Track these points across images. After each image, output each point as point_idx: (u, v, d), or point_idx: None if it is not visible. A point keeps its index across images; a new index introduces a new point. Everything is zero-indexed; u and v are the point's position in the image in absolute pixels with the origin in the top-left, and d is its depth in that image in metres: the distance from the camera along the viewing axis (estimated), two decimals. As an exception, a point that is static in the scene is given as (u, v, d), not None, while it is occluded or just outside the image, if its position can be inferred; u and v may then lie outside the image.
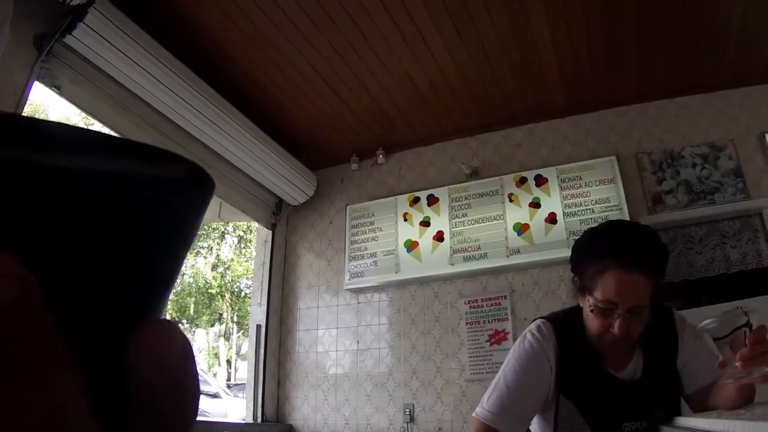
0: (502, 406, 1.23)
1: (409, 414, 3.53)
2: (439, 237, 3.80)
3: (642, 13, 2.94)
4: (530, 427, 1.37)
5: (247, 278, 14.94)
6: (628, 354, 1.30)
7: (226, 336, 15.95)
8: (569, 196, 3.58)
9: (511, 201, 3.71)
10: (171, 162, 0.16)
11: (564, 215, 3.54)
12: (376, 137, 4.10)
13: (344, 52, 3.20)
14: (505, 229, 3.64)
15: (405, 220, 3.96)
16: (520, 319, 3.45)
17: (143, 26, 2.78)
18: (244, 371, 13.13)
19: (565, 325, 1.32)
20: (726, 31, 3.08)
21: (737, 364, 0.98)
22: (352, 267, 4.00)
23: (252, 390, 3.90)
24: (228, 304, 15.71)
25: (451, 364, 3.55)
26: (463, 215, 3.80)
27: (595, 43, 3.18)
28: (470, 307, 3.62)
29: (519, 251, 3.55)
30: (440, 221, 3.85)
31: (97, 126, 3.37)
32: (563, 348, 1.28)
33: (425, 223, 3.89)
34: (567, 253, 1.40)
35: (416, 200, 3.98)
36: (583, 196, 3.55)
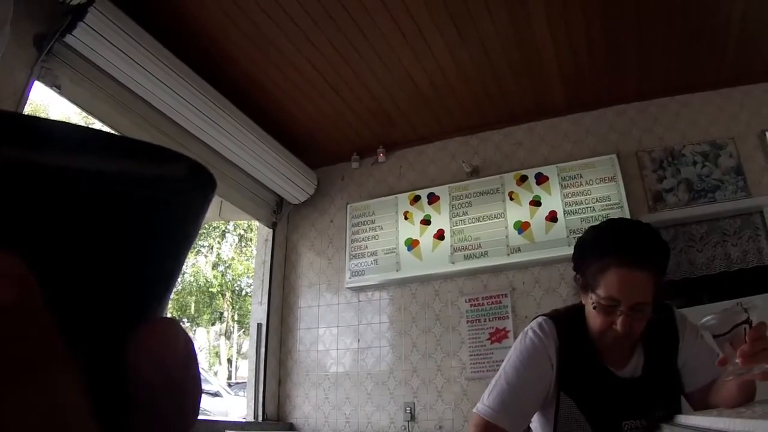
0: (502, 403, 1.23)
1: (410, 412, 3.53)
2: (440, 235, 3.80)
3: (642, 13, 2.93)
4: (531, 425, 1.37)
5: (247, 277, 14.96)
6: (629, 352, 1.30)
7: (227, 335, 15.97)
8: (570, 195, 3.58)
9: (511, 199, 3.71)
10: (172, 161, 0.16)
11: (564, 213, 3.53)
12: (376, 136, 4.10)
13: (345, 51, 3.20)
14: (506, 228, 3.64)
15: (405, 218, 3.96)
16: (520, 318, 3.45)
17: (144, 26, 2.78)
18: (244, 370, 13.12)
19: (566, 322, 1.32)
20: (726, 30, 3.08)
21: (737, 360, 0.98)
22: (353, 265, 4.00)
23: (253, 388, 3.91)
24: (229, 302, 15.73)
25: (451, 363, 3.55)
26: (463, 213, 3.80)
27: (595, 43, 3.17)
28: (471, 305, 3.62)
29: (519, 249, 3.55)
30: (441, 219, 3.85)
31: (97, 125, 3.37)
32: (564, 345, 1.28)
33: (426, 222, 3.88)
34: (567, 251, 1.40)
35: (417, 198, 3.98)
36: (583, 194, 3.55)
